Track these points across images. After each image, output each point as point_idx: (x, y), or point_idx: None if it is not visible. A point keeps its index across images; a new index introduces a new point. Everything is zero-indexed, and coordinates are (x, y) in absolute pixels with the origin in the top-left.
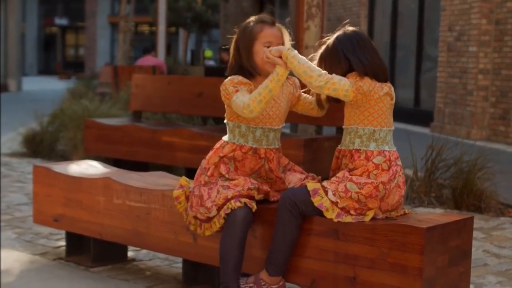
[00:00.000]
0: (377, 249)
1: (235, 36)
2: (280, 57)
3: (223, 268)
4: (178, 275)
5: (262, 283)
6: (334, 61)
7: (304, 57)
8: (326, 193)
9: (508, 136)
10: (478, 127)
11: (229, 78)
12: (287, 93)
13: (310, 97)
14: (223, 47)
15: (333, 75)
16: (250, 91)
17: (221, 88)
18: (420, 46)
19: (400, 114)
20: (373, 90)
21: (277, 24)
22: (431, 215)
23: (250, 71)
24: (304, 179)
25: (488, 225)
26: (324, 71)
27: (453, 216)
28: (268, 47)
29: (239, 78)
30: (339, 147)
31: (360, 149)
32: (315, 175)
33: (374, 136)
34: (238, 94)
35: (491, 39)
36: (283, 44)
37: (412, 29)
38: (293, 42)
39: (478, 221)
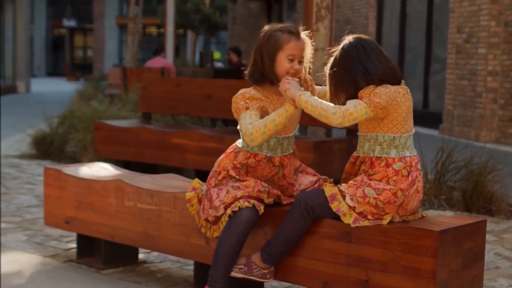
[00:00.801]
0: (389, 252)
1: (258, 41)
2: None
3: (215, 262)
4: (190, 277)
5: (254, 266)
6: (345, 79)
7: (315, 98)
8: (343, 197)
9: None
10: (487, 129)
11: (241, 92)
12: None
13: (323, 88)
14: (232, 48)
15: (347, 104)
16: (261, 108)
17: (232, 101)
18: (428, 48)
19: None
20: (390, 99)
21: (302, 36)
22: (444, 218)
23: (271, 79)
24: (316, 181)
25: (499, 228)
26: (338, 106)
27: (466, 219)
28: (292, 60)
29: (251, 93)
30: (355, 153)
31: (381, 157)
32: (327, 178)
33: (395, 143)
34: (246, 114)
35: (500, 41)
36: (303, 55)
37: (420, 31)
38: (314, 48)
39: (489, 224)
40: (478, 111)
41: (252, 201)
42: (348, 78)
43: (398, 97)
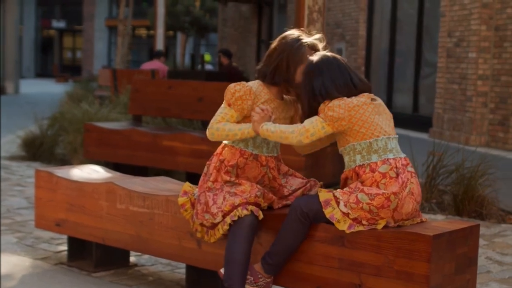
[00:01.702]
0: (383, 257)
1: (283, 46)
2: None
3: (230, 270)
4: (181, 280)
5: (259, 276)
6: (303, 98)
7: (274, 124)
8: (337, 204)
9: (507, 142)
10: (477, 133)
11: (239, 87)
12: (289, 116)
13: None
14: (222, 51)
15: (304, 122)
16: (241, 110)
17: (227, 88)
18: (419, 52)
19: (398, 120)
20: (346, 110)
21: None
22: (437, 223)
23: (290, 85)
24: (307, 182)
25: (490, 232)
26: (295, 125)
27: (459, 223)
28: None
29: (241, 92)
30: (345, 170)
31: (363, 164)
32: (316, 180)
33: (373, 148)
34: (224, 111)
35: (491, 45)
36: None
37: (411, 35)
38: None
39: (480, 228)
40: (468, 115)
41: (250, 207)
42: (304, 98)
43: (357, 106)
